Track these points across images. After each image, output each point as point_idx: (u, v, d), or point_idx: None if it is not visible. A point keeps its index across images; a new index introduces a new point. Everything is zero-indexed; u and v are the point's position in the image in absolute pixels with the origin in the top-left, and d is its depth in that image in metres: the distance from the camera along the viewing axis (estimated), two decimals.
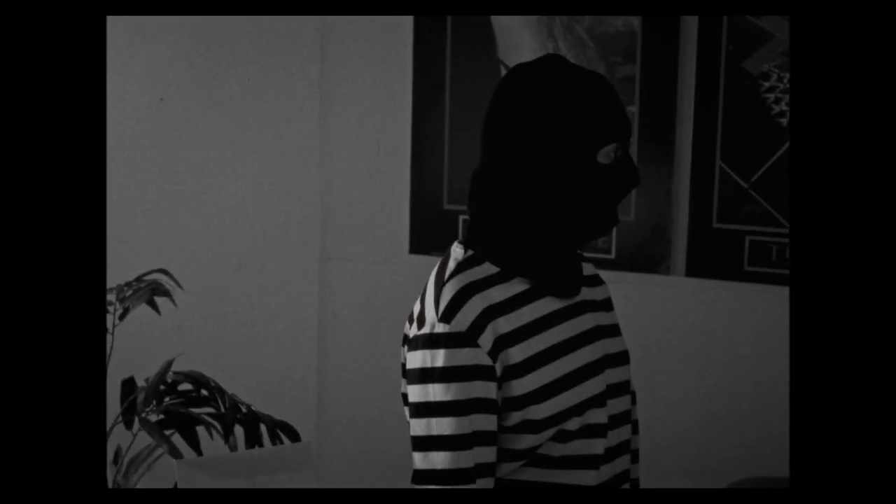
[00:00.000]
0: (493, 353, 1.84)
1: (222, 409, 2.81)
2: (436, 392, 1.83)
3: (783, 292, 3.12)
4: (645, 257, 3.27)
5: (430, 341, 1.84)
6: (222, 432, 2.78)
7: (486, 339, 1.84)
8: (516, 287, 1.91)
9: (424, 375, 1.84)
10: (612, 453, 1.96)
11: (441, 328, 1.84)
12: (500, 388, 1.86)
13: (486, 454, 1.84)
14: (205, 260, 3.74)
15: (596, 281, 2.09)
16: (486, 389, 1.83)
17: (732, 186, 3.17)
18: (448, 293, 1.87)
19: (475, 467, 1.83)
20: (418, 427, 1.86)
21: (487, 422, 1.84)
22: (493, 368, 1.84)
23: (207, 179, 3.76)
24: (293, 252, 3.70)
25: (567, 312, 1.95)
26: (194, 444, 2.80)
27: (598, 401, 1.93)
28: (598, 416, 1.93)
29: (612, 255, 3.30)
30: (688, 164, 3.22)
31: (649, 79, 3.25)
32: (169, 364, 2.87)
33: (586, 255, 2.16)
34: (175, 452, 2.63)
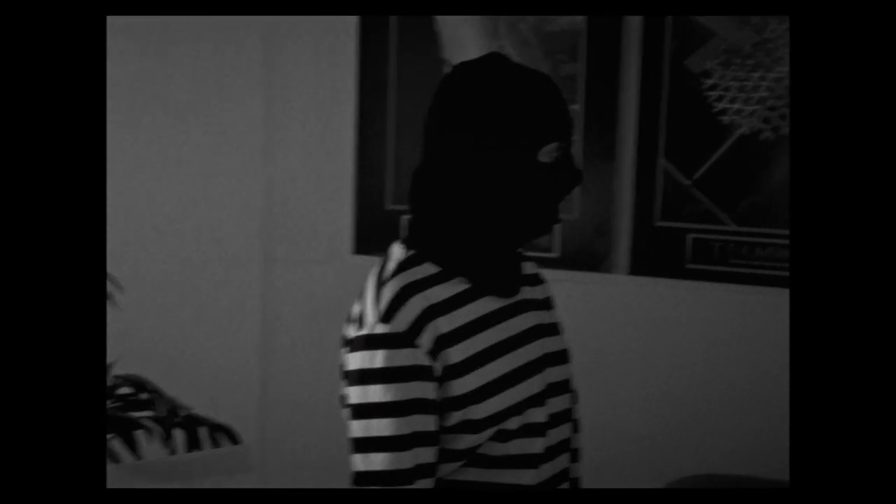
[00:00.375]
0: (433, 353, 1.83)
1: (163, 413, 2.78)
2: (375, 393, 1.82)
3: (725, 289, 3.14)
4: (588, 256, 3.27)
5: (370, 342, 1.83)
6: (162, 436, 2.76)
7: (426, 340, 1.83)
8: (457, 287, 1.90)
9: (363, 376, 1.83)
10: (552, 452, 1.95)
11: (380, 329, 1.82)
12: (440, 388, 1.85)
13: (426, 455, 1.83)
14: (147, 262, 3.70)
15: (536, 280, 2.08)
16: (425, 390, 1.82)
17: (674, 184, 3.19)
18: (388, 293, 1.86)
19: (415, 468, 1.82)
20: (357, 429, 1.84)
21: (427, 422, 1.83)
22: (432, 369, 1.83)
23: (150, 180, 3.73)
24: (236, 253, 3.68)
25: (507, 312, 1.94)
26: (133, 448, 2.77)
27: (537, 400, 1.93)
28: (538, 415, 1.93)
29: (557, 254, 3.30)
30: (630, 162, 3.23)
31: (593, 77, 3.25)
32: (108, 368, 2.85)
33: (531, 253, 2.15)
34: (114, 457, 2.60)
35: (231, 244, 3.67)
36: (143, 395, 2.84)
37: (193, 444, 2.75)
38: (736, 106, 3.14)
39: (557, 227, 3.21)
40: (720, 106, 3.15)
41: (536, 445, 1.92)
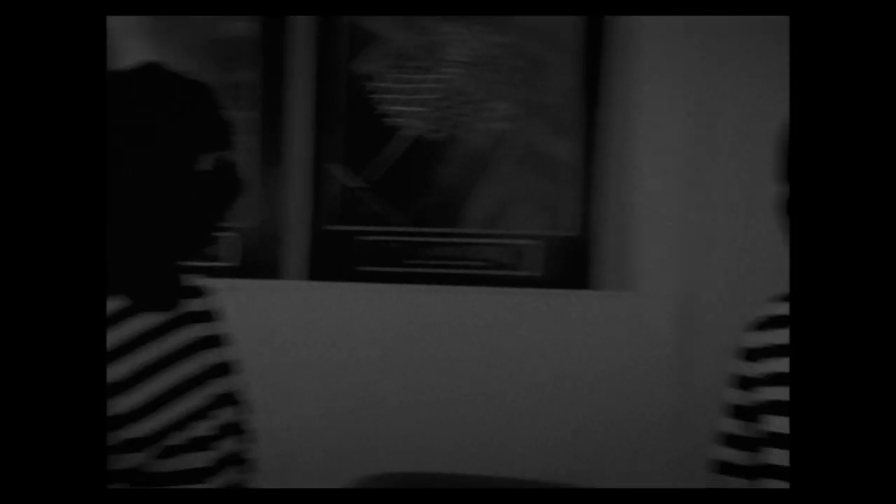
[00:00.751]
0: None
1: None
2: None
3: (396, 290, 3.17)
4: (267, 263, 3.25)
5: None
6: None
7: None
8: (117, 303, 1.84)
9: None
10: (221, 465, 1.92)
11: None
12: None
13: None
14: None
15: (199, 292, 2.04)
16: None
17: (347, 188, 3.20)
18: None
19: None
20: None
21: None
22: None
23: None
24: None
25: (169, 326, 1.90)
26: None
27: (201, 413, 1.89)
28: (203, 429, 1.89)
29: (237, 263, 3.26)
30: (303, 167, 3.22)
31: (265, 83, 3.23)
32: None
33: (208, 263, 2.11)
34: None
35: None
36: None
37: None
38: (405, 108, 3.18)
39: (237, 236, 3.17)
40: (389, 108, 3.18)
41: (203, 459, 1.88)
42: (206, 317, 2.02)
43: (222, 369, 1.99)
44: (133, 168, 1.82)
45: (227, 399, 1.98)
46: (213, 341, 2.00)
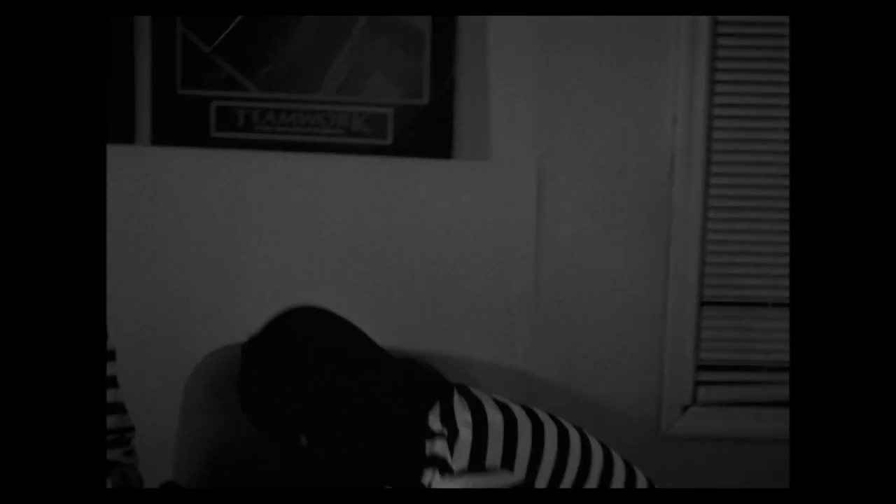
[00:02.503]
0: None
1: None
2: None
3: (252, 156, 3.13)
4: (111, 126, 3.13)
5: None
6: None
7: None
8: None
9: None
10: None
11: None
12: None
13: None
14: None
15: None
16: None
17: (195, 51, 3.09)
18: None
19: None
20: None
21: None
22: None
23: None
24: None
25: None
26: None
27: None
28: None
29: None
30: (147, 29, 3.09)
31: None
32: None
33: None
34: None
35: None
36: None
37: None
38: None
39: None
40: None
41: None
42: None
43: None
44: None
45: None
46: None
